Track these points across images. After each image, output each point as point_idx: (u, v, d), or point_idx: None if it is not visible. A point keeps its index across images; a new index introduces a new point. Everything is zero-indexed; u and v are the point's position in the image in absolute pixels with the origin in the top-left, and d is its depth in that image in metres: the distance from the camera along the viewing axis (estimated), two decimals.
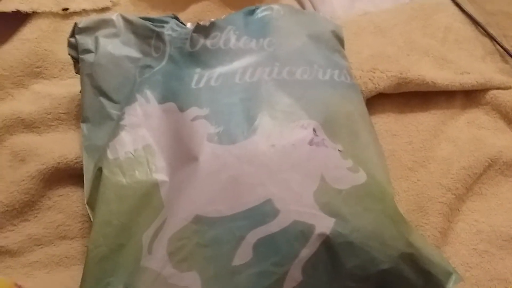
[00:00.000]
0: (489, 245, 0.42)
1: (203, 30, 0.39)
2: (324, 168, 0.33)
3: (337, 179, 0.33)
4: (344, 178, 0.33)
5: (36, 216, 0.40)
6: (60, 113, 0.44)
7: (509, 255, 0.41)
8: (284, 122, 0.35)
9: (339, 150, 0.35)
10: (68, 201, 0.40)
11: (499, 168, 0.46)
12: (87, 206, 0.35)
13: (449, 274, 0.33)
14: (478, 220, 0.43)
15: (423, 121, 0.48)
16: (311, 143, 0.34)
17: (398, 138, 0.47)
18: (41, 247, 0.38)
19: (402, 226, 0.33)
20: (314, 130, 0.35)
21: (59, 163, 0.40)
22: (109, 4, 0.54)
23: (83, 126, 0.39)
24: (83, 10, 0.53)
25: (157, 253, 0.30)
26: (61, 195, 0.40)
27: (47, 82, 0.47)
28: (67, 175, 0.41)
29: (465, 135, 0.48)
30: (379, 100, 0.49)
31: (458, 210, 0.43)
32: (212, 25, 0.39)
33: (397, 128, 0.48)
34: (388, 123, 0.48)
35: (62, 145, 0.41)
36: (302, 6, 0.59)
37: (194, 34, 0.39)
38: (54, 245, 0.39)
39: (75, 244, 0.39)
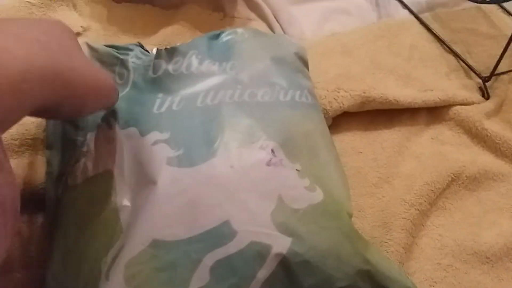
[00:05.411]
0: (453, 260, 0.42)
1: (164, 55, 0.40)
2: (282, 188, 0.34)
3: (294, 199, 0.33)
4: (301, 197, 0.34)
5: None
6: (27, 139, 0.44)
7: (473, 269, 0.42)
8: (243, 143, 0.36)
9: (296, 169, 0.35)
10: (33, 228, 0.40)
11: (462, 183, 0.47)
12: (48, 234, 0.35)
13: None
14: (442, 235, 0.44)
15: (387, 138, 0.50)
16: (269, 163, 0.35)
17: (364, 155, 0.48)
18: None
19: (359, 243, 0.34)
20: (272, 150, 0.35)
21: (23, 189, 0.40)
22: (79, 29, 0.54)
23: (47, 152, 0.39)
24: None
25: (114, 279, 0.30)
26: (25, 222, 0.40)
27: None
28: (33, 201, 0.41)
29: (428, 151, 0.49)
30: (345, 119, 0.50)
31: (422, 225, 0.44)
32: (174, 50, 0.40)
33: (362, 145, 0.49)
34: (354, 140, 0.49)
35: (27, 171, 0.42)
36: (271, 28, 0.60)
37: (156, 60, 0.39)
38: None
39: (40, 271, 0.38)
